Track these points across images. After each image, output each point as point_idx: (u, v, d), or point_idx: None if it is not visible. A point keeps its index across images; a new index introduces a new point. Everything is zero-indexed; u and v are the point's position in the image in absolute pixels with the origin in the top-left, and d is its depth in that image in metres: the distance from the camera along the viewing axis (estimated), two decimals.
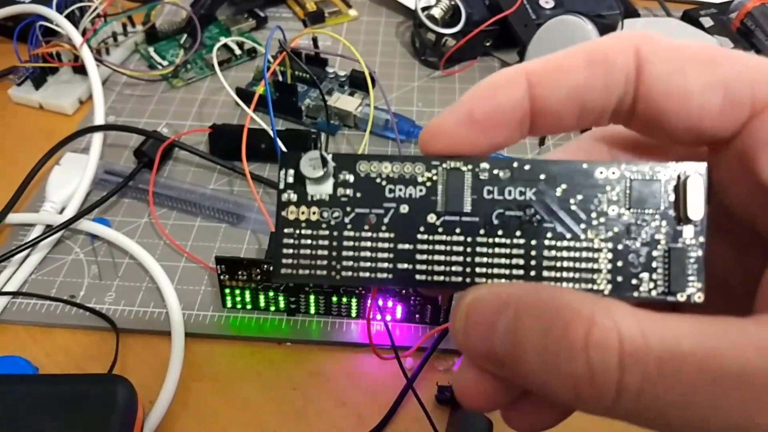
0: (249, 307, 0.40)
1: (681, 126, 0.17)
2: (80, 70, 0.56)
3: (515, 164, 0.19)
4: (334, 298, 0.39)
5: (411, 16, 0.65)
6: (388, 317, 0.40)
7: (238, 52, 0.60)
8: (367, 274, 0.19)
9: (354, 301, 0.39)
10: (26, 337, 0.40)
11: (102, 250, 0.44)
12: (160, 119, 0.54)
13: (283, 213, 0.19)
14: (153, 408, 0.36)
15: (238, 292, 0.39)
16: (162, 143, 0.47)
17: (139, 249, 0.43)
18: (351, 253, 0.19)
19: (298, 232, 0.19)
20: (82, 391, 0.33)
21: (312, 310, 0.40)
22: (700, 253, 0.18)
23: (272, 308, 0.40)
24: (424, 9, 0.59)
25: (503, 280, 0.19)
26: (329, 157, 0.19)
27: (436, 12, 0.59)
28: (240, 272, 0.38)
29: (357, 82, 0.55)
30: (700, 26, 0.60)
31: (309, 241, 0.19)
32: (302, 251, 0.19)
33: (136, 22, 0.62)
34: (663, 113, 0.17)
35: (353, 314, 0.40)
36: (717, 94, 0.16)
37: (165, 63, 0.60)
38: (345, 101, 0.53)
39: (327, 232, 0.19)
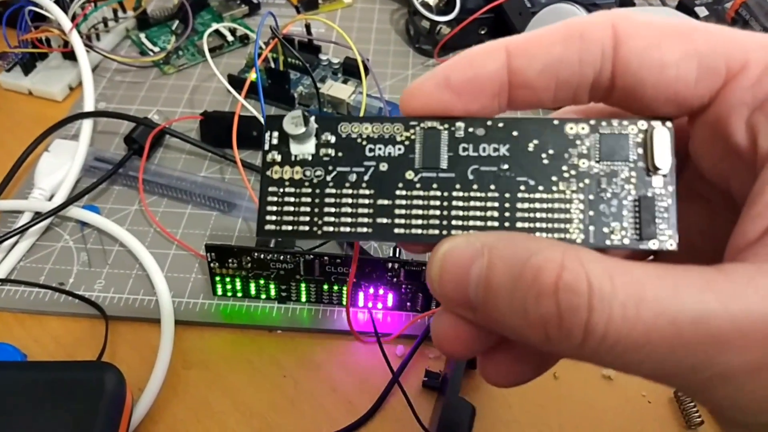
0: (240, 294, 0.40)
1: (659, 97, 0.18)
2: (70, 56, 0.55)
3: (489, 122, 0.19)
4: (325, 286, 0.39)
5: (406, 4, 0.64)
6: (380, 305, 0.40)
7: (230, 38, 0.60)
8: (348, 229, 0.19)
9: (345, 289, 0.39)
10: (15, 324, 0.40)
11: (91, 238, 0.44)
12: (151, 106, 0.54)
13: (268, 173, 0.20)
14: (142, 395, 0.35)
15: (228, 279, 0.39)
16: (152, 130, 0.47)
17: (128, 236, 0.43)
18: (332, 210, 0.20)
19: (281, 190, 0.20)
20: (71, 378, 0.33)
21: (303, 298, 0.40)
22: (670, 201, 0.19)
23: (263, 296, 0.40)
24: None
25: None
26: (311, 118, 0.20)
27: (431, 0, 0.58)
28: (230, 260, 0.38)
29: (350, 70, 0.54)
30: (695, 16, 0.60)
31: (292, 199, 0.20)
32: (286, 208, 0.20)
33: (127, 7, 0.61)
34: (641, 86, 0.18)
35: (344, 302, 0.40)
36: (692, 64, 0.17)
37: (156, 49, 0.59)
38: (338, 89, 0.53)
39: (309, 190, 0.20)
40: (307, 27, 0.58)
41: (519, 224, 0.19)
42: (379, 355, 0.38)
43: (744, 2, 0.59)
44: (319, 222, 0.20)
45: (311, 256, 0.37)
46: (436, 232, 0.19)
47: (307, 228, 0.20)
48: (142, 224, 0.45)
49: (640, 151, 0.19)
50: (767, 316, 0.14)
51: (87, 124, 0.48)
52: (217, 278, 0.39)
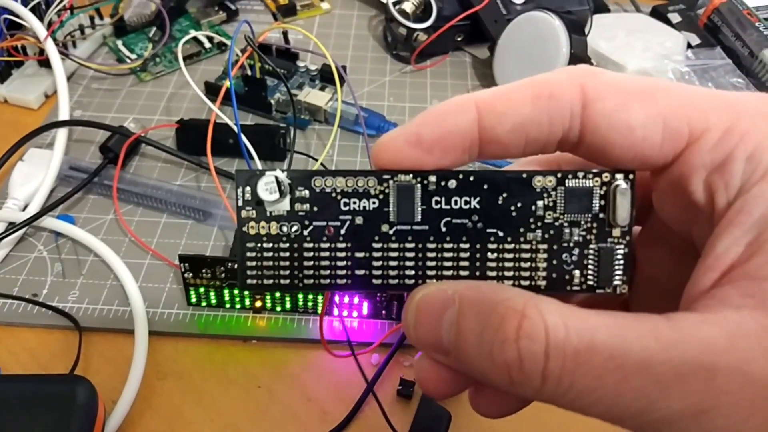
0: (214, 304, 0.40)
1: (626, 156, 0.19)
2: (46, 63, 0.55)
3: (461, 176, 0.20)
4: (300, 296, 0.39)
5: (384, 10, 0.64)
6: (355, 313, 0.40)
7: (207, 45, 0.60)
8: (328, 281, 0.20)
9: (320, 298, 0.39)
10: None
11: (66, 248, 0.44)
12: (127, 114, 0.54)
13: (245, 228, 0.20)
14: (115, 407, 0.35)
15: (203, 290, 0.39)
16: (128, 139, 0.47)
17: (103, 247, 0.43)
18: (311, 263, 0.20)
19: (259, 245, 0.20)
20: (42, 392, 0.33)
21: (278, 308, 0.40)
22: (626, 250, 0.20)
23: (238, 306, 0.40)
24: (395, 3, 0.59)
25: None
26: (283, 176, 0.20)
27: (408, 6, 0.59)
28: (204, 270, 0.38)
29: (328, 77, 0.55)
30: (668, 22, 0.61)
31: (271, 254, 0.20)
32: (265, 263, 0.20)
33: (104, 14, 0.61)
34: (609, 145, 0.18)
35: (319, 311, 0.40)
36: (657, 126, 0.18)
37: (133, 56, 0.59)
38: (315, 96, 0.53)
39: (287, 245, 0.20)
40: (285, 34, 0.58)
41: (489, 273, 0.20)
42: (354, 364, 0.38)
43: (716, 8, 0.60)
44: (299, 275, 0.20)
45: None
46: (412, 281, 0.20)
47: (288, 281, 0.20)
48: (117, 234, 0.45)
49: (602, 203, 0.20)
50: (704, 365, 0.15)
51: (62, 133, 0.48)
52: (191, 288, 0.39)
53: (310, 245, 0.20)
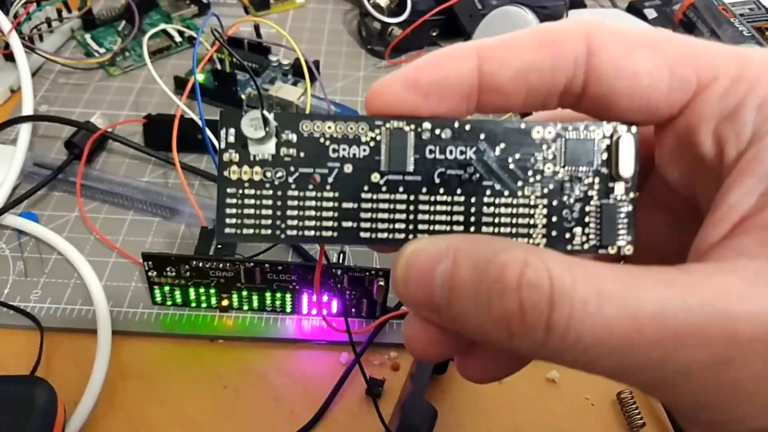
0: (180, 303, 0.39)
1: (631, 106, 0.18)
2: (12, 57, 0.54)
3: (456, 124, 0.19)
4: (267, 294, 0.38)
5: (358, 4, 0.64)
6: (324, 311, 0.39)
7: (178, 39, 0.59)
8: (312, 233, 0.19)
9: (288, 296, 0.39)
10: None
11: (29, 246, 0.43)
12: (95, 108, 0.53)
13: (226, 173, 0.19)
14: (76, 409, 0.34)
15: (167, 288, 0.38)
16: (93, 134, 0.46)
17: (66, 245, 0.42)
18: (295, 212, 0.19)
19: (241, 191, 0.19)
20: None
21: (245, 307, 0.39)
22: (630, 208, 0.19)
23: (204, 305, 0.39)
24: None
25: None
26: (271, 117, 0.19)
27: (382, 1, 0.58)
28: (168, 268, 0.37)
29: (300, 71, 0.54)
30: (643, 17, 0.60)
31: (252, 201, 0.19)
32: (246, 210, 0.19)
33: (72, 7, 0.60)
34: (614, 94, 0.18)
35: (287, 310, 0.39)
36: (664, 74, 0.17)
37: (102, 50, 0.58)
38: (287, 90, 0.52)
39: (271, 192, 0.19)
40: (256, 28, 0.57)
41: (484, 228, 0.19)
42: (322, 363, 0.38)
43: (692, 4, 0.60)
44: (282, 225, 0.19)
45: (252, 264, 0.37)
46: (402, 236, 0.19)
47: (269, 231, 0.19)
48: (81, 232, 0.44)
49: (605, 156, 0.19)
50: (724, 312, 0.14)
51: (25, 129, 0.47)
52: (156, 287, 0.38)
53: (295, 193, 0.19)
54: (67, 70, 0.57)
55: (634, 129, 0.19)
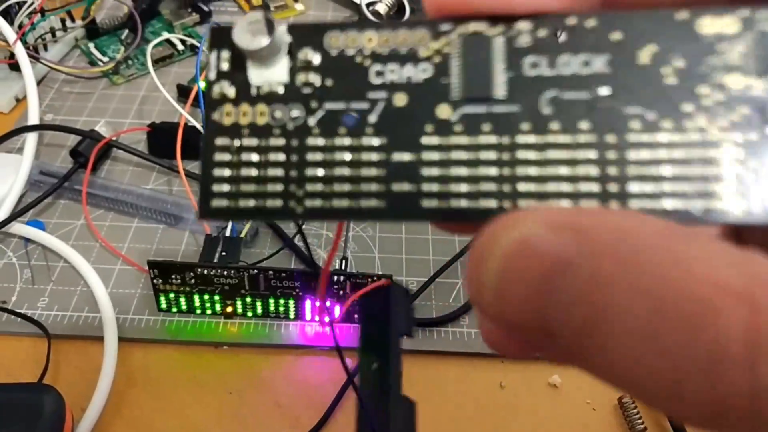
0: (185, 310, 0.40)
1: None
2: (17, 67, 0.54)
3: (572, 20, 0.13)
4: (271, 300, 0.39)
5: (357, 11, 0.64)
6: (327, 318, 0.40)
7: (180, 47, 0.59)
8: (346, 203, 0.13)
9: (291, 303, 0.39)
10: None
11: (36, 254, 0.43)
12: (99, 117, 0.53)
13: (215, 116, 0.13)
14: (84, 416, 0.35)
15: (172, 295, 0.39)
16: (98, 143, 0.46)
17: (73, 253, 0.42)
18: (320, 172, 0.13)
19: (237, 143, 0.13)
20: (8, 400, 0.33)
21: (249, 313, 0.40)
22: None
23: (208, 311, 0.40)
24: (368, 5, 0.59)
25: (566, 204, 0.12)
26: (282, 27, 0.13)
27: (381, 8, 0.58)
28: (173, 276, 0.38)
29: None
30: None
31: (255, 157, 0.13)
32: (245, 171, 0.13)
33: (75, 17, 0.60)
34: None
35: (291, 316, 0.40)
36: None
37: (106, 59, 0.58)
38: None
39: (282, 141, 0.13)
40: None
41: (634, 187, 0.12)
42: (326, 369, 0.38)
43: None
44: (299, 193, 0.13)
45: (255, 271, 0.37)
46: (493, 204, 0.12)
47: (280, 203, 0.13)
48: (87, 239, 0.44)
49: None
50: None
51: (31, 138, 0.47)
52: (161, 294, 0.39)
53: (320, 142, 0.13)
54: (72, 79, 0.57)
55: None
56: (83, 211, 0.45)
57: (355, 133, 0.13)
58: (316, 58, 0.13)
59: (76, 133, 0.48)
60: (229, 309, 0.39)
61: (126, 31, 0.60)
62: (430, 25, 0.13)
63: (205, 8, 0.63)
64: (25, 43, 0.52)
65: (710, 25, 0.12)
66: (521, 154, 0.12)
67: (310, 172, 0.13)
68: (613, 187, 0.12)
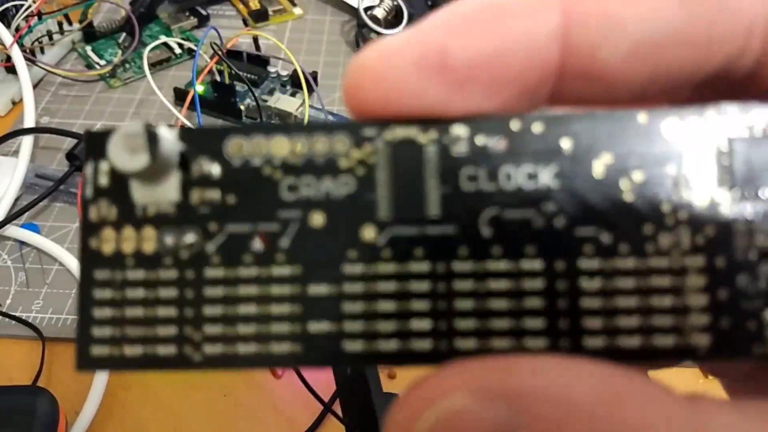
0: None
1: None
2: (13, 70, 0.54)
3: (516, 124, 0.11)
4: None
5: (356, 16, 0.64)
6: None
7: (178, 51, 0.59)
8: (254, 348, 0.11)
9: None
10: None
11: (30, 257, 0.43)
12: (96, 120, 0.53)
13: (93, 243, 0.11)
14: (78, 419, 0.35)
15: None
16: None
17: (68, 256, 0.42)
18: (221, 310, 0.11)
19: (120, 276, 0.11)
20: (2, 403, 0.33)
21: None
22: None
23: None
24: (367, 9, 0.59)
25: (507, 353, 0.10)
26: (171, 135, 0.11)
27: (379, 12, 0.59)
28: None
29: (299, 82, 0.54)
30: None
31: (142, 293, 0.11)
32: (129, 312, 0.11)
33: (73, 20, 0.60)
34: None
35: None
36: None
37: (103, 62, 0.58)
38: (285, 102, 0.53)
39: (174, 274, 0.11)
40: (255, 40, 0.57)
41: (588, 323, 0.10)
42: (321, 371, 0.38)
43: None
44: (197, 337, 0.11)
45: None
46: (426, 347, 0.11)
47: (173, 349, 0.11)
48: None
49: None
50: None
51: (27, 141, 0.47)
52: None
53: (220, 274, 0.11)
54: (68, 82, 0.57)
55: None
56: (78, 214, 0.45)
57: (263, 260, 0.11)
58: (215, 170, 0.11)
59: (72, 136, 0.48)
60: None
61: (123, 35, 0.60)
62: (352, 130, 0.11)
63: (203, 12, 0.64)
64: (21, 45, 0.52)
65: (675, 128, 0.11)
66: (458, 285, 0.11)
67: (208, 311, 0.11)
68: (563, 323, 0.10)
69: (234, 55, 0.55)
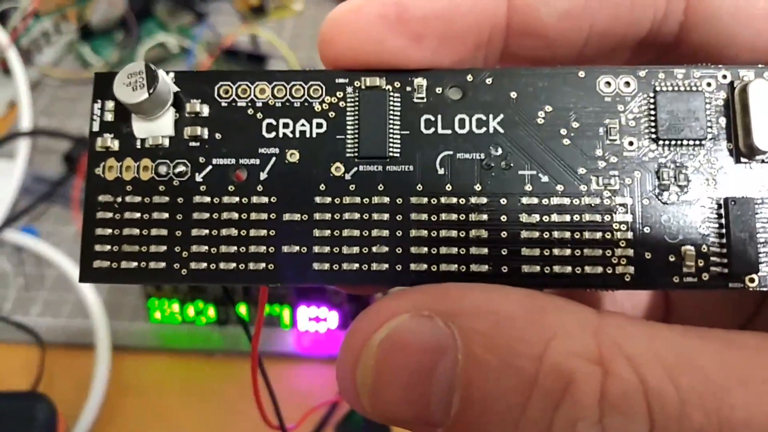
0: (178, 318, 0.39)
1: (745, 50, 0.12)
2: (10, 71, 0.54)
3: (470, 77, 0.12)
4: (267, 306, 0.39)
5: None
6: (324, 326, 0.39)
7: (176, 50, 0.59)
8: (233, 265, 0.12)
9: (286, 309, 0.39)
10: None
11: (29, 261, 0.43)
12: None
13: (98, 170, 0.13)
14: (76, 425, 0.35)
15: (166, 303, 0.39)
16: None
17: (66, 260, 0.42)
18: (206, 231, 0.12)
19: (120, 199, 0.13)
20: (0, 409, 0.32)
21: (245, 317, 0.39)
22: None
23: (202, 319, 0.39)
24: None
25: (447, 266, 0.12)
26: (166, 76, 0.13)
27: None
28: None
29: None
30: None
31: (138, 214, 0.12)
32: (127, 231, 0.12)
33: (70, 19, 0.60)
34: (725, 39, 0.12)
35: (286, 324, 0.39)
36: None
37: (100, 62, 0.58)
38: None
39: (166, 198, 0.12)
40: (254, 37, 0.57)
41: (526, 252, 0.12)
42: (319, 377, 0.38)
43: None
44: (184, 254, 0.12)
45: None
46: (385, 266, 0.12)
47: (163, 264, 0.12)
48: None
49: (722, 120, 0.12)
50: None
51: (24, 144, 0.47)
52: (155, 302, 0.39)
53: (206, 200, 0.12)
54: (66, 83, 0.57)
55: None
56: (76, 217, 0.45)
57: (244, 190, 0.12)
58: (204, 110, 0.13)
59: (69, 138, 0.48)
60: (223, 316, 0.39)
61: (121, 33, 0.59)
62: (326, 78, 0.13)
63: (201, 9, 0.63)
64: (18, 47, 0.52)
65: (609, 84, 0.12)
66: (414, 216, 0.12)
67: (195, 232, 0.12)
68: (504, 251, 0.12)
69: (231, 53, 0.55)
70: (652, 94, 0.12)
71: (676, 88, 0.12)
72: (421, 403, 0.11)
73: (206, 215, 0.12)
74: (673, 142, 0.12)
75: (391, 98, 0.12)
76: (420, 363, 0.11)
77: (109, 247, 0.12)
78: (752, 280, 0.11)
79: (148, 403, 0.37)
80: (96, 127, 0.13)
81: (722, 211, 0.12)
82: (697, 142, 0.12)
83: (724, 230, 0.12)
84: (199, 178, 0.13)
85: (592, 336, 0.10)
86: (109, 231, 0.13)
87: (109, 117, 0.13)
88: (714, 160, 0.12)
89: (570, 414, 0.10)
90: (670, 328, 0.11)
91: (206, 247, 0.12)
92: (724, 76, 0.12)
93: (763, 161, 0.11)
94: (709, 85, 0.12)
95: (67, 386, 0.37)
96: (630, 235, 0.12)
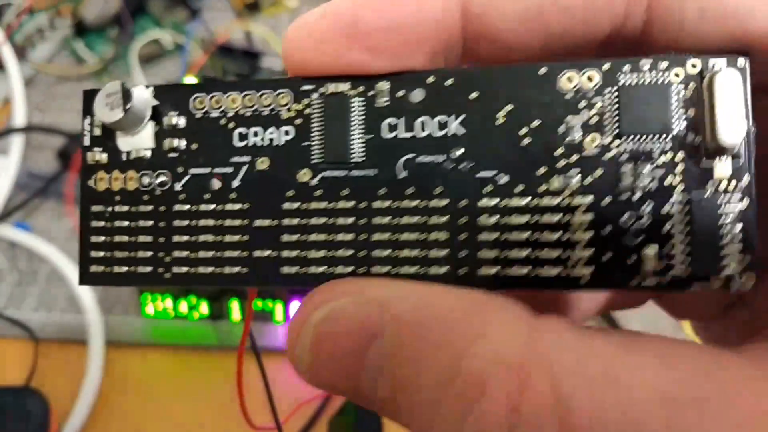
0: (172, 313, 0.40)
1: (717, 40, 0.12)
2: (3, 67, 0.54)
3: (431, 78, 0.12)
4: (259, 302, 0.39)
5: None
6: None
7: (170, 46, 0.59)
8: (210, 269, 0.13)
9: (280, 304, 0.39)
10: None
11: (22, 257, 0.43)
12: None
13: (90, 182, 0.14)
14: (69, 420, 0.35)
15: (160, 298, 0.39)
16: None
17: (59, 255, 0.42)
18: (186, 237, 0.13)
19: (110, 209, 0.14)
20: None
21: (236, 315, 0.40)
22: (744, 204, 0.11)
23: (195, 314, 0.39)
24: None
25: (408, 268, 0.12)
26: (145, 91, 0.13)
27: None
28: None
29: None
30: None
31: (126, 223, 0.14)
32: (117, 238, 0.14)
33: (64, 15, 0.60)
34: (692, 35, 0.12)
35: (278, 319, 0.39)
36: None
37: (94, 58, 0.58)
38: None
39: (150, 207, 0.13)
40: (248, 34, 0.57)
41: (485, 253, 0.12)
42: None
43: None
44: (167, 259, 0.13)
45: None
46: (349, 269, 0.13)
47: (149, 269, 0.13)
48: (74, 242, 0.44)
49: (691, 113, 0.11)
50: None
51: (17, 140, 0.47)
52: (149, 297, 0.39)
53: (185, 207, 0.13)
54: (60, 79, 0.57)
55: (741, 61, 0.11)
56: (70, 213, 0.45)
57: (219, 198, 0.13)
58: (181, 122, 0.13)
59: (63, 134, 0.48)
60: (217, 311, 0.39)
61: (115, 29, 0.59)
62: (292, 85, 0.13)
63: (194, 5, 0.63)
64: (12, 43, 0.52)
65: (571, 79, 0.12)
66: (377, 220, 0.13)
67: (176, 238, 0.13)
68: (463, 254, 0.12)
69: (225, 49, 0.55)
70: (615, 88, 0.12)
71: (641, 81, 0.12)
72: (352, 380, 0.12)
73: (186, 222, 0.13)
74: (637, 137, 0.12)
75: (355, 104, 0.13)
76: (353, 344, 0.11)
77: (102, 253, 0.14)
78: (716, 281, 0.11)
79: (141, 398, 0.37)
80: (87, 142, 0.14)
81: (686, 209, 0.11)
82: (663, 137, 0.11)
83: (687, 229, 0.11)
84: (178, 187, 0.13)
85: (522, 342, 0.10)
86: (102, 238, 0.14)
87: (97, 132, 0.14)
88: (679, 156, 0.11)
89: (480, 423, 0.10)
90: (607, 339, 0.10)
91: (187, 252, 0.13)
92: (694, 66, 0.11)
93: (729, 157, 0.11)
94: (677, 75, 0.11)
95: (59, 381, 0.37)
96: (590, 235, 0.12)
